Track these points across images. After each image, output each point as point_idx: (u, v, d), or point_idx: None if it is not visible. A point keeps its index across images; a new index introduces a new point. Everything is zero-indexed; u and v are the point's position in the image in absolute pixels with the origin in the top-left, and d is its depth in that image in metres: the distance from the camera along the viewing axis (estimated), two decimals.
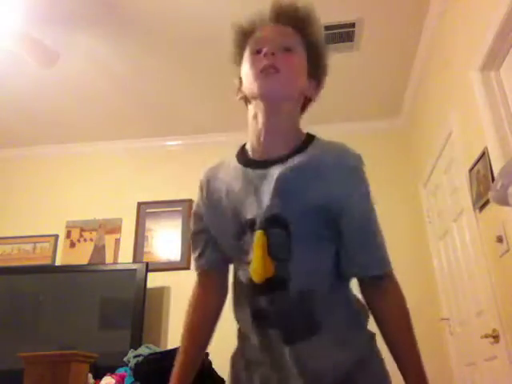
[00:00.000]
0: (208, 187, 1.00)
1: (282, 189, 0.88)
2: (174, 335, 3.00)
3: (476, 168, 2.10)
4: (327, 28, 2.63)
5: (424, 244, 3.10)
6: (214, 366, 2.24)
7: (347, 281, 0.94)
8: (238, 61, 0.99)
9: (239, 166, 0.96)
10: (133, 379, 2.45)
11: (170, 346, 2.82)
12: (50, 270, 3.37)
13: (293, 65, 0.93)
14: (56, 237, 3.54)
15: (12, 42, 2.43)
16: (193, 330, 1.00)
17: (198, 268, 1.03)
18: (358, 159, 0.94)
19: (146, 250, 3.44)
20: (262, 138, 0.94)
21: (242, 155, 0.98)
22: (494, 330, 1.98)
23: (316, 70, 1.00)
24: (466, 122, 2.24)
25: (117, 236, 3.51)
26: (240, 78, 0.99)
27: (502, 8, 1.74)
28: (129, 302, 3.01)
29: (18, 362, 2.36)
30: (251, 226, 0.88)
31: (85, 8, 2.48)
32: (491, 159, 1.93)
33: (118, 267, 3.26)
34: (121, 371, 2.54)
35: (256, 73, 0.91)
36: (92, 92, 3.18)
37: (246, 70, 0.94)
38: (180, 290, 2.63)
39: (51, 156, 3.82)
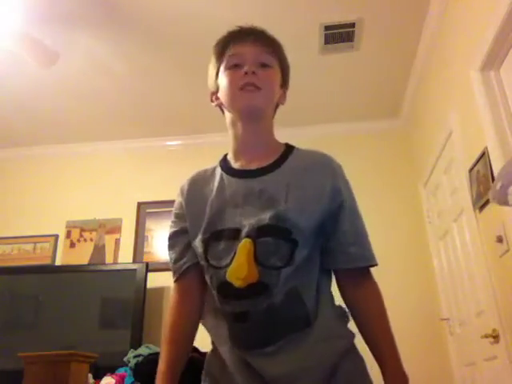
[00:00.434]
0: (189, 191, 1.03)
1: (271, 201, 0.91)
2: None
3: (476, 168, 2.10)
4: (327, 28, 2.63)
5: (424, 244, 3.10)
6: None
7: (330, 279, 0.98)
8: (215, 68, 1.04)
9: (223, 175, 1.00)
10: (133, 379, 2.45)
11: None
12: (50, 270, 3.37)
13: (271, 81, 1.00)
14: (56, 237, 3.54)
15: (12, 42, 2.43)
16: (176, 342, 0.97)
17: (176, 271, 1.00)
18: (337, 162, 1.02)
19: (145, 249, 3.44)
20: (242, 149, 1.01)
21: (225, 163, 1.03)
22: (494, 330, 1.98)
23: (285, 80, 1.06)
24: (466, 122, 2.24)
25: (117, 236, 3.51)
26: (216, 86, 1.04)
27: (502, 8, 1.74)
28: (129, 302, 3.01)
29: (18, 361, 2.36)
30: (233, 234, 0.90)
31: (85, 8, 2.48)
32: (491, 159, 1.93)
33: (118, 267, 3.26)
34: (121, 371, 2.54)
35: (237, 89, 0.97)
36: (92, 92, 3.18)
37: (225, 83, 0.99)
38: None
39: (51, 156, 3.82)
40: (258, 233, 0.88)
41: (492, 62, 1.94)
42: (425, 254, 3.07)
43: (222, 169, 1.02)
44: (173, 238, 1.03)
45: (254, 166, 0.98)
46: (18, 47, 2.45)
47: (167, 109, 3.41)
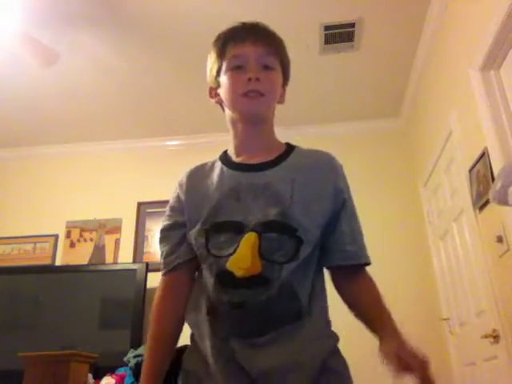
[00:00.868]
0: (188, 184, 1.02)
1: (276, 196, 0.92)
2: None
3: (476, 168, 2.10)
4: (327, 28, 2.63)
5: (424, 244, 3.10)
6: None
7: (323, 278, 0.99)
8: (216, 65, 1.03)
9: (224, 168, 1.00)
10: (133, 379, 2.45)
11: None
12: (50, 270, 3.37)
13: (274, 85, 1.00)
14: (56, 237, 3.54)
15: (12, 42, 2.43)
16: (162, 340, 0.96)
17: (166, 265, 0.99)
18: (339, 161, 1.03)
19: (145, 250, 3.44)
20: (243, 146, 1.02)
21: (226, 157, 1.04)
22: (494, 330, 1.98)
23: (286, 79, 1.06)
24: (465, 122, 2.24)
25: (117, 236, 3.51)
26: (217, 83, 1.03)
27: (502, 8, 1.74)
28: (129, 302, 3.01)
29: (18, 362, 2.36)
30: (235, 227, 0.90)
31: (85, 8, 2.48)
32: (491, 159, 1.93)
33: (118, 267, 3.26)
34: (121, 371, 2.55)
35: (240, 95, 0.97)
36: (92, 92, 3.18)
37: (228, 86, 0.99)
38: None
39: (51, 156, 3.82)
40: (263, 228, 0.88)
41: (492, 61, 1.94)
42: (425, 254, 3.07)
43: (223, 162, 1.02)
44: (165, 232, 1.02)
45: (255, 161, 0.98)
46: (18, 47, 2.45)
47: (167, 109, 3.41)
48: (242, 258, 0.87)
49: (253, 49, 0.98)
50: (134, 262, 3.35)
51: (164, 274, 1.01)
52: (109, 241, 3.50)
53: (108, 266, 3.32)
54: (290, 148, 1.03)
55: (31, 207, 3.63)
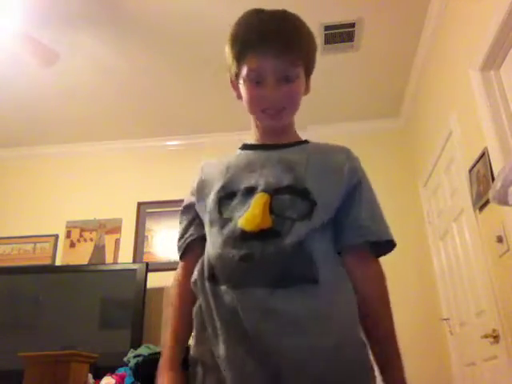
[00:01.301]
0: (207, 164, 1.04)
1: (291, 165, 0.92)
2: None
3: (476, 168, 2.10)
4: (327, 28, 2.63)
5: (424, 244, 3.10)
6: None
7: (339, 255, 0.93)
8: (233, 68, 0.99)
9: (241, 151, 1.02)
10: (133, 379, 2.45)
11: None
12: (50, 269, 3.37)
13: (295, 96, 0.97)
14: (56, 237, 3.54)
15: (12, 42, 2.44)
16: (184, 316, 0.94)
17: (181, 246, 0.99)
18: (354, 153, 1.03)
19: (145, 250, 3.44)
20: (263, 137, 1.02)
21: (244, 145, 1.05)
22: (494, 330, 1.98)
23: (310, 74, 1.02)
24: (465, 122, 2.24)
25: (117, 236, 3.51)
26: (236, 80, 1.00)
27: (502, 8, 1.74)
28: (129, 302, 3.01)
29: (18, 361, 2.36)
30: (248, 191, 0.89)
31: (85, 8, 2.48)
32: (491, 159, 1.93)
33: (118, 267, 3.26)
34: (121, 371, 2.55)
35: (259, 110, 0.97)
36: (92, 92, 3.18)
37: (246, 98, 0.97)
38: None
39: (51, 156, 3.82)
40: (276, 190, 0.88)
41: (492, 61, 1.94)
42: (425, 254, 3.07)
43: (241, 149, 1.04)
44: (181, 215, 1.03)
45: (272, 142, 1.00)
46: (18, 47, 2.45)
47: (167, 109, 3.41)
48: (253, 215, 0.85)
49: (273, 62, 0.91)
50: (134, 261, 3.34)
51: (181, 257, 1.01)
52: (109, 241, 3.50)
53: (108, 266, 3.32)
54: (306, 141, 1.04)
55: (31, 207, 3.63)
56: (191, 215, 1.00)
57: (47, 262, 3.47)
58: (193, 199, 1.00)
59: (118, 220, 3.55)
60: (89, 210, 3.57)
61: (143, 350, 2.56)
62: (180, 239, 1.01)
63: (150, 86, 3.15)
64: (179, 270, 1.01)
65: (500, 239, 1.89)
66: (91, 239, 3.52)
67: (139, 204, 3.56)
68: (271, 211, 0.86)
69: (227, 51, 0.98)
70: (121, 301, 3.08)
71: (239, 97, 1.01)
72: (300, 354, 0.79)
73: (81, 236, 3.54)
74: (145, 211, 3.55)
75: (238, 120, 3.23)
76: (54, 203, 3.63)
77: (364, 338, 0.86)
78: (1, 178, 3.81)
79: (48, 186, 3.72)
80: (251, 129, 1.05)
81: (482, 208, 2.09)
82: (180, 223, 1.03)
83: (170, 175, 3.58)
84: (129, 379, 2.47)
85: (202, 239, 0.95)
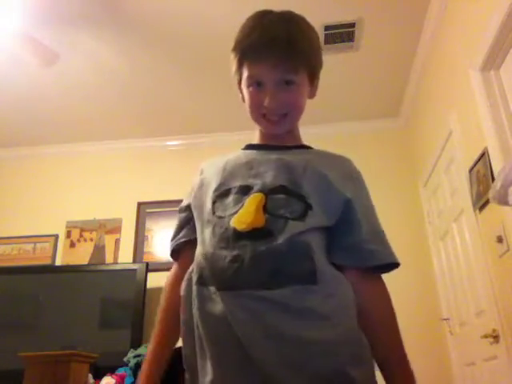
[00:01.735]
0: (207, 165, 1.03)
1: (288, 166, 0.90)
2: None
3: (476, 168, 2.10)
4: (327, 28, 2.63)
5: (424, 244, 3.10)
6: None
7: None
8: (237, 75, 0.98)
9: (241, 151, 1.02)
10: (133, 379, 2.45)
11: None
12: (50, 269, 3.37)
13: (296, 100, 0.95)
14: (56, 237, 3.54)
15: (12, 42, 2.43)
16: (172, 312, 0.93)
17: (171, 247, 0.99)
18: (356, 167, 1.00)
19: (145, 249, 3.44)
20: (265, 140, 1.02)
21: (246, 146, 1.04)
22: (494, 330, 1.98)
23: (314, 78, 1.00)
24: (465, 122, 2.24)
25: (117, 236, 3.51)
26: (238, 79, 0.99)
27: (502, 8, 1.74)
28: (129, 302, 3.01)
29: (18, 361, 2.36)
30: (243, 190, 0.88)
31: (85, 8, 2.48)
32: (491, 159, 1.93)
33: (118, 267, 3.26)
34: (121, 371, 2.55)
35: (259, 116, 0.96)
36: (92, 92, 3.18)
37: (247, 102, 0.96)
38: None
39: (51, 156, 3.82)
40: (271, 190, 0.86)
41: (492, 61, 1.94)
42: (425, 254, 3.07)
43: (243, 148, 1.03)
44: (177, 216, 1.02)
45: (273, 143, 1.00)
46: (18, 47, 2.45)
47: (167, 109, 3.41)
48: (246, 214, 0.84)
49: (272, 70, 0.90)
50: (134, 262, 3.34)
51: (173, 258, 1.01)
52: (109, 241, 3.50)
53: (108, 266, 3.32)
54: (309, 147, 1.03)
55: (31, 207, 3.63)
56: (186, 217, 0.99)
57: (47, 262, 3.47)
58: (189, 200, 0.99)
59: (117, 220, 3.55)
60: (89, 210, 3.57)
61: (143, 350, 2.56)
62: (172, 240, 1.00)
63: (150, 86, 3.15)
64: (170, 272, 1.01)
65: (500, 239, 1.89)
66: (91, 239, 3.52)
67: (139, 204, 3.56)
68: (265, 211, 0.84)
69: (231, 56, 0.97)
70: (121, 301, 3.08)
71: (243, 100, 1.00)
72: (294, 356, 0.76)
73: (81, 236, 3.54)
74: (145, 211, 3.55)
75: (238, 120, 3.24)
76: (53, 203, 3.63)
77: (363, 337, 0.83)
78: (1, 178, 3.81)
79: (48, 186, 3.72)
80: (253, 129, 1.05)
81: (482, 208, 2.09)
82: (175, 224, 1.03)
83: (170, 175, 3.58)
84: (129, 379, 2.47)
85: (193, 242, 0.93)
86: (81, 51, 2.80)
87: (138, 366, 2.47)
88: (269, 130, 0.99)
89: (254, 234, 0.82)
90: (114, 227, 3.53)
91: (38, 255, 3.50)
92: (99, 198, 3.61)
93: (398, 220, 3.18)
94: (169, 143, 3.77)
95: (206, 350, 0.81)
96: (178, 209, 1.03)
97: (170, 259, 1.03)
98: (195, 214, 0.96)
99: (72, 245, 3.52)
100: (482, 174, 2.03)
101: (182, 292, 0.90)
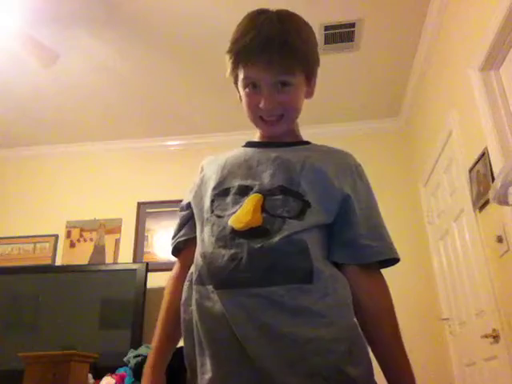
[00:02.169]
0: (208, 162, 1.03)
1: (286, 165, 0.90)
2: None
3: (476, 168, 2.10)
4: (327, 28, 2.63)
5: (424, 244, 3.10)
6: None
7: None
8: (233, 76, 0.98)
9: (241, 148, 1.02)
10: (133, 379, 2.45)
11: None
12: (50, 269, 3.37)
13: (292, 100, 0.95)
14: (56, 237, 3.54)
15: (12, 42, 2.43)
16: (174, 311, 0.93)
17: (172, 245, 1.00)
18: (357, 161, 1.00)
19: (145, 249, 3.44)
20: (264, 138, 1.02)
21: (247, 143, 1.04)
22: (494, 330, 1.98)
23: (312, 77, 0.99)
24: (465, 121, 2.24)
25: (117, 236, 3.51)
26: (235, 80, 0.99)
27: (502, 8, 1.74)
28: (129, 302, 3.01)
29: (18, 361, 2.36)
30: (241, 190, 0.88)
31: (85, 8, 2.48)
32: (491, 159, 1.93)
33: (118, 267, 3.26)
34: (121, 371, 2.55)
35: (256, 117, 0.96)
36: (92, 92, 3.18)
37: (244, 104, 0.97)
38: None
39: (51, 156, 3.82)
40: (269, 191, 0.87)
41: (492, 61, 1.94)
42: (425, 254, 3.07)
43: (243, 146, 1.03)
44: (178, 214, 1.03)
45: (273, 140, 1.00)
46: (17, 47, 2.45)
47: (167, 109, 3.41)
48: (244, 213, 0.85)
49: (266, 72, 0.89)
50: (134, 262, 3.35)
51: (174, 255, 1.02)
52: (109, 241, 3.50)
53: (108, 266, 3.32)
54: (308, 142, 1.03)
55: (31, 207, 3.63)
56: (187, 215, 1.00)
57: (47, 262, 3.47)
58: (190, 199, 0.99)
59: (117, 220, 3.55)
60: (89, 210, 3.57)
61: (143, 350, 2.57)
62: (172, 238, 1.01)
63: (150, 86, 3.15)
64: (172, 270, 1.02)
65: (500, 239, 1.89)
66: (91, 239, 3.52)
67: (139, 204, 3.56)
68: (263, 211, 0.85)
69: (226, 57, 0.96)
70: (121, 301, 3.08)
71: (241, 100, 1.00)
72: (289, 353, 0.77)
73: (81, 236, 3.54)
74: (145, 211, 3.55)
75: (238, 120, 3.23)
76: (53, 203, 3.63)
77: (361, 336, 0.84)
78: (1, 178, 3.81)
79: (48, 186, 3.72)
80: (252, 129, 1.05)
81: (481, 208, 2.09)
82: (176, 222, 1.03)
83: (170, 175, 3.58)
84: (129, 379, 2.47)
85: (194, 240, 0.94)
86: (81, 51, 2.80)
87: (137, 365, 2.47)
88: (266, 131, 0.99)
89: (250, 233, 0.82)
90: (113, 227, 3.53)
91: (37, 255, 3.50)
92: (99, 197, 3.61)
93: (398, 220, 3.18)
94: (169, 143, 3.77)
95: (205, 347, 0.81)
96: (179, 207, 1.04)
97: (170, 259, 1.03)
98: (195, 213, 0.96)
99: (72, 245, 3.52)
100: (481, 173, 2.03)
101: (184, 291, 0.91)
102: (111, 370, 2.57)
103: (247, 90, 0.94)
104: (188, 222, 0.99)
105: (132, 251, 3.44)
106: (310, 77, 0.98)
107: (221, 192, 0.91)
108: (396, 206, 3.23)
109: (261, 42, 0.88)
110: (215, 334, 0.81)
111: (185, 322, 0.89)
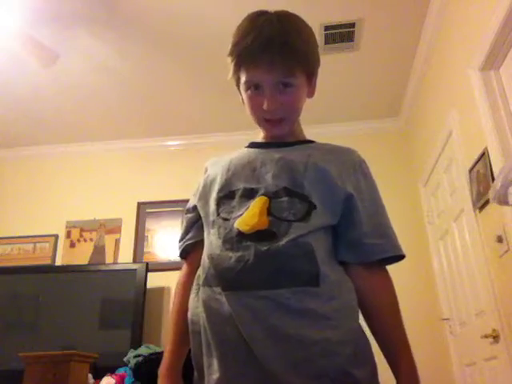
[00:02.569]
0: (212, 163, 1.04)
1: (289, 166, 0.91)
2: None
3: (476, 168, 2.10)
4: (327, 28, 2.63)
5: (424, 244, 3.10)
6: None
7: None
8: (234, 78, 0.98)
9: (245, 149, 1.02)
10: (133, 379, 2.45)
11: None
12: (50, 269, 3.37)
13: (295, 102, 0.95)
14: (56, 237, 3.54)
15: (12, 42, 2.43)
16: (184, 313, 0.93)
17: (179, 248, 1.01)
18: (360, 157, 0.99)
19: (145, 249, 3.44)
20: (267, 137, 1.02)
21: (250, 143, 1.04)
22: (494, 330, 1.98)
23: (312, 77, 0.99)
24: (465, 121, 2.24)
25: (117, 236, 3.51)
26: (237, 81, 0.98)
27: (502, 8, 1.74)
28: (129, 302, 3.01)
29: (18, 361, 2.36)
30: (247, 193, 0.89)
31: (85, 8, 2.48)
32: (491, 159, 1.93)
33: (118, 267, 3.26)
34: (121, 371, 2.55)
35: (260, 119, 0.96)
36: (92, 92, 3.18)
37: (247, 106, 0.97)
38: None
39: (51, 156, 3.82)
40: (275, 193, 0.87)
41: (492, 61, 1.94)
42: (425, 254, 3.08)
43: (246, 146, 1.04)
44: (184, 216, 1.03)
45: (276, 141, 1.00)
46: (17, 47, 2.45)
47: (167, 109, 3.41)
48: (250, 215, 0.85)
49: (267, 73, 0.90)
50: (134, 261, 3.34)
51: (182, 258, 1.02)
52: (109, 241, 3.50)
53: (108, 266, 3.32)
54: (311, 141, 1.03)
55: (31, 207, 3.63)
56: (193, 217, 1.00)
57: (47, 262, 3.47)
58: (195, 201, 1.00)
59: (117, 220, 3.55)
60: (89, 210, 3.57)
61: (143, 350, 2.57)
62: (180, 241, 1.02)
63: (150, 86, 3.15)
64: (180, 273, 1.02)
65: (500, 239, 1.89)
66: (91, 239, 3.52)
67: (139, 204, 3.56)
68: (269, 213, 0.85)
69: (228, 60, 0.96)
70: (121, 301, 3.08)
71: (243, 102, 1.00)
72: (295, 355, 0.77)
73: (81, 236, 3.54)
74: (145, 211, 3.55)
75: (238, 120, 3.23)
76: (53, 203, 3.63)
77: (366, 338, 0.85)
78: (1, 178, 3.81)
79: (48, 186, 3.72)
80: (254, 129, 1.05)
81: (481, 208, 2.09)
82: (182, 224, 1.04)
83: (170, 175, 3.58)
84: (129, 379, 2.47)
85: (201, 242, 0.95)
86: (81, 51, 2.80)
87: (137, 366, 2.47)
88: (270, 131, 1.00)
89: (257, 236, 0.83)
90: (113, 227, 3.53)
91: (37, 255, 3.50)
92: (99, 198, 3.61)
93: (398, 220, 3.15)
94: (169, 143, 3.77)
95: (213, 349, 0.82)
96: (185, 209, 1.05)
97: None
98: (202, 215, 0.97)
99: (72, 245, 3.52)
100: (481, 173, 2.03)
101: (192, 293, 0.92)
102: (111, 370, 2.57)
103: (249, 92, 0.94)
104: (195, 225, 1.00)
105: (132, 251, 3.44)
106: (310, 77, 0.98)
107: (226, 194, 0.91)
108: (396, 205, 3.21)
109: (261, 43, 0.88)
110: (223, 335, 0.81)
111: (192, 323, 0.89)
